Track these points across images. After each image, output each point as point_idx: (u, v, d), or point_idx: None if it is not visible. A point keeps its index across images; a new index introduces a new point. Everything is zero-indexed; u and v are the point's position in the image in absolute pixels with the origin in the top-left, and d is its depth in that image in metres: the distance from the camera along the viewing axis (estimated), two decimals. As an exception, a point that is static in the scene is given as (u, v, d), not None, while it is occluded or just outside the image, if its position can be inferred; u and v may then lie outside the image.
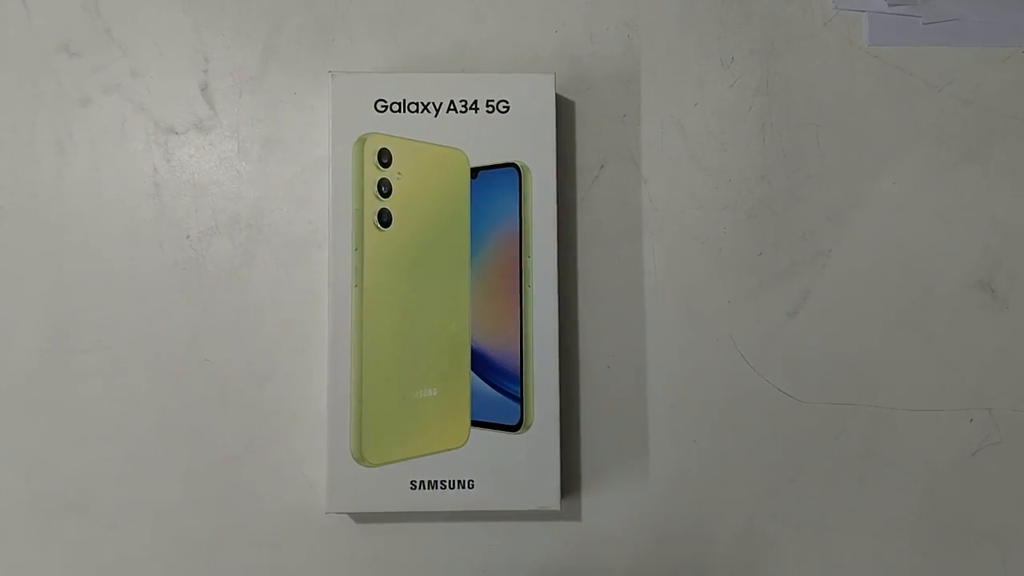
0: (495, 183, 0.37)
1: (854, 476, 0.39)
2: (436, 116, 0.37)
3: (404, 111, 0.37)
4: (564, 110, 0.40)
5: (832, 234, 0.40)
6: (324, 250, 0.39)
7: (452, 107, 0.37)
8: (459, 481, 0.36)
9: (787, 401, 0.39)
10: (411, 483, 0.36)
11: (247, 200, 0.40)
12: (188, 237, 0.39)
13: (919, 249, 0.40)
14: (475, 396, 0.37)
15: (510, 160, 0.37)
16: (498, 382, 0.37)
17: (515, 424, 0.37)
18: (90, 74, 0.40)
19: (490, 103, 0.37)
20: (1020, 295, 0.40)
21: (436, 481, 0.36)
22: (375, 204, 0.37)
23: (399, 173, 0.37)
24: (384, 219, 0.37)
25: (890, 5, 0.41)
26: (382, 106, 0.37)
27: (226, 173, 0.40)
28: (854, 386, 0.39)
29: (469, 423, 0.37)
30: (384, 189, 0.37)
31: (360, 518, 0.38)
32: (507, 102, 0.37)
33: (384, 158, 0.37)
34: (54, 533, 0.38)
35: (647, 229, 0.40)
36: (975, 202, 0.40)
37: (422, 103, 0.37)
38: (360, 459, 0.36)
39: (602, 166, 0.40)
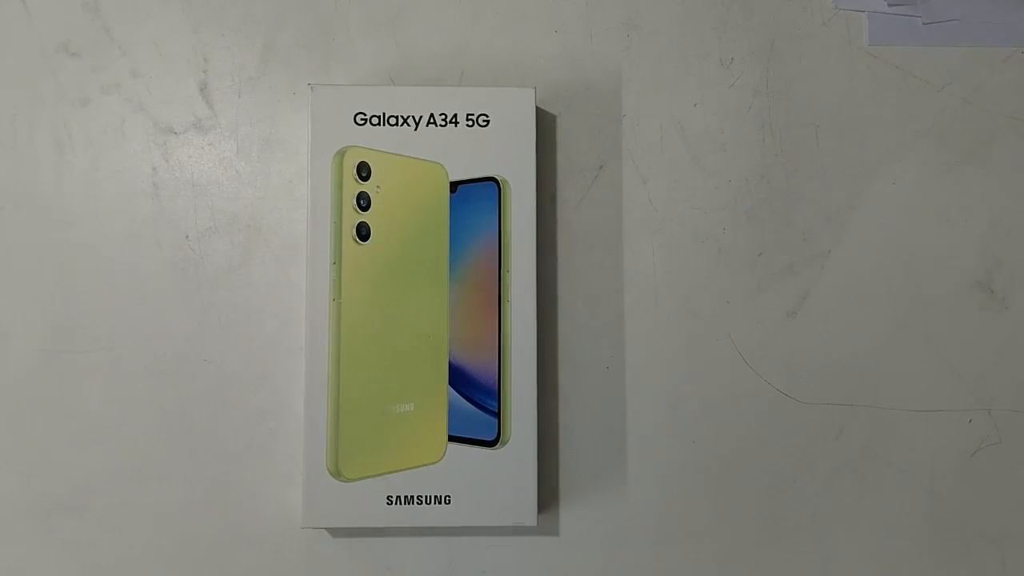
0: (474, 197, 0.37)
1: (854, 477, 0.39)
2: (416, 129, 0.37)
3: (384, 124, 0.37)
4: (564, 110, 0.40)
5: (832, 234, 0.40)
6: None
7: (432, 120, 0.37)
8: (436, 496, 0.36)
9: (786, 402, 0.39)
10: (387, 498, 0.36)
11: (246, 200, 0.40)
12: (187, 237, 0.39)
13: (919, 249, 0.40)
14: (452, 411, 0.37)
15: (490, 174, 0.37)
16: (476, 397, 0.37)
17: (492, 439, 0.36)
18: (89, 74, 0.40)
19: (470, 117, 0.37)
20: (1020, 295, 0.40)
21: (412, 496, 0.36)
22: (354, 217, 0.36)
23: (378, 187, 0.37)
24: (363, 233, 0.37)
25: (890, 5, 0.41)
26: (361, 119, 0.37)
27: (225, 173, 0.40)
28: (853, 387, 0.39)
29: (446, 438, 0.36)
30: (363, 202, 0.37)
31: (337, 532, 0.38)
32: (487, 116, 0.37)
33: (363, 171, 0.37)
34: (52, 532, 0.38)
35: (647, 229, 0.40)
36: (975, 202, 0.40)
37: (402, 116, 0.37)
38: (336, 474, 0.36)
39: (601, 166, 0.40)
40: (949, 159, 0.40)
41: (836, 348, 0.39)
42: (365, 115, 0.37)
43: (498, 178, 0.37)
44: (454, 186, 0.37)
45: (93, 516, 0.38)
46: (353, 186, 0.37)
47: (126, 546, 0.38)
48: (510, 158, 0.37)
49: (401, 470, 0.36)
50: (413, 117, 0.37)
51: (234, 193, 0.40)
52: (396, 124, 0.37)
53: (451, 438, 0.36)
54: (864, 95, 0.40)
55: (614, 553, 0.39)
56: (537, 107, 0.38)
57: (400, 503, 0.36)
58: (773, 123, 0.40)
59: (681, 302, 0.40)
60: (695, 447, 0.39)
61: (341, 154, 0.37)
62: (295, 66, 0.40)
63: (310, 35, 0.40)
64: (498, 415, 0.36)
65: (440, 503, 0.36)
